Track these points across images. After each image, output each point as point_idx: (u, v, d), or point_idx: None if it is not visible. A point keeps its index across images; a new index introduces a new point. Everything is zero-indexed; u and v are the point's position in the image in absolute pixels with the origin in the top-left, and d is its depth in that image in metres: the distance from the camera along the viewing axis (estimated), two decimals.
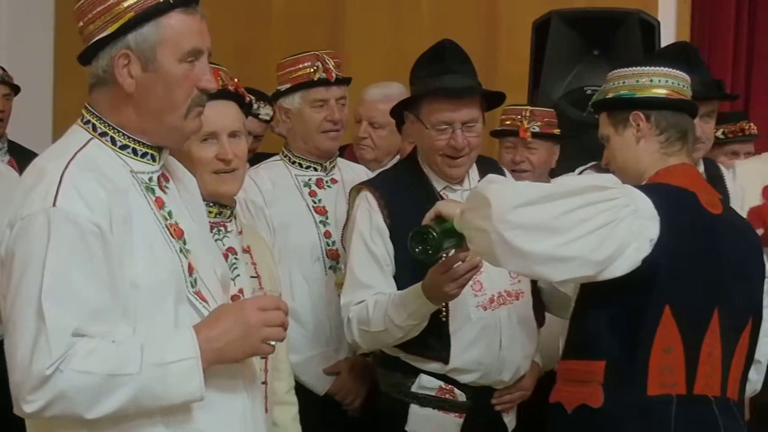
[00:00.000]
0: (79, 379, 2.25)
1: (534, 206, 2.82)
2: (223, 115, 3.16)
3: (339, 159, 4.27)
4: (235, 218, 3.28)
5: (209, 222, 3.15)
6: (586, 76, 5.33)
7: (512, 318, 3.62)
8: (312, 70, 4.10)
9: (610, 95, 3.18)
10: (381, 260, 3.56)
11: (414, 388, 3.61)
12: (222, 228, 3.22)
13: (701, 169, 3.90)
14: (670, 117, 3.12)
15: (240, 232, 3.28)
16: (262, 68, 4.79)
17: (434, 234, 3.03)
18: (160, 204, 2.47)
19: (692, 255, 2.94)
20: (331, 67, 4.12)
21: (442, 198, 3.58)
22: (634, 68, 3.17)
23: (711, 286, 2.96)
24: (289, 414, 3.42)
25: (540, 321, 3.79)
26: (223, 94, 3.19)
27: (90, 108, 2.48)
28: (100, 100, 2.46)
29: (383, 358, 3.72)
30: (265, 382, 3.22)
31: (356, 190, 3.71)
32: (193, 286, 2.47)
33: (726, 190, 4.02)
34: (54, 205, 2.29)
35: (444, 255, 3.25)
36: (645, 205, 2.88)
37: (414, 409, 3.61)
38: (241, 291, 3.18)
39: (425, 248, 3.05)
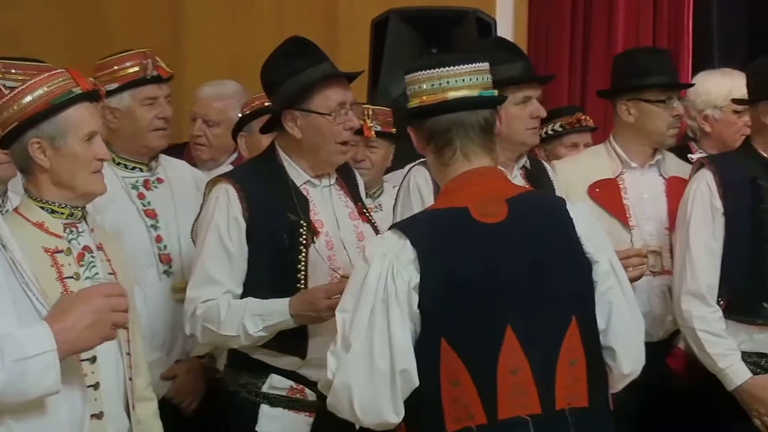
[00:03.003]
0: None
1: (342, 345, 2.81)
2: (96, 116, 3.25)
3: (161, 155, 4.25)
4: (86, 218, 3.28)
5: (61, 223, 3.21)
6: None
7: None
8: (139, 68, 4.08)
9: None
10: (233, 257, 3.52)
11: (264, 389, 3.59)
12: (74, 228, 3.23)
13: (523, 164, 3.96)
14: (429, 125, 2.88)
15: (92, 231, 3.29)
16: None
17: None
18: None
19: (461, 281, 2.76)
20: (162, 64, 4.13)
21: (302, 193, 3.58)
22: (406, 76, 2.94)
23: (493, 304, 2.77)
24: (149, 410, 3.42)
25: None
26: (88, 96, 3.23)
27: None
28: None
29: (231, 358, 3.70)
30: (131, 379, 3.24)
31: (213, 182, 3.65)
32: (22, 277, 2.50)
33: (551, 184, 4.06)
34: None
35: None
36: (402, 250, 2.77)
37: (264, 409, 3.58)
38: None
39: None
